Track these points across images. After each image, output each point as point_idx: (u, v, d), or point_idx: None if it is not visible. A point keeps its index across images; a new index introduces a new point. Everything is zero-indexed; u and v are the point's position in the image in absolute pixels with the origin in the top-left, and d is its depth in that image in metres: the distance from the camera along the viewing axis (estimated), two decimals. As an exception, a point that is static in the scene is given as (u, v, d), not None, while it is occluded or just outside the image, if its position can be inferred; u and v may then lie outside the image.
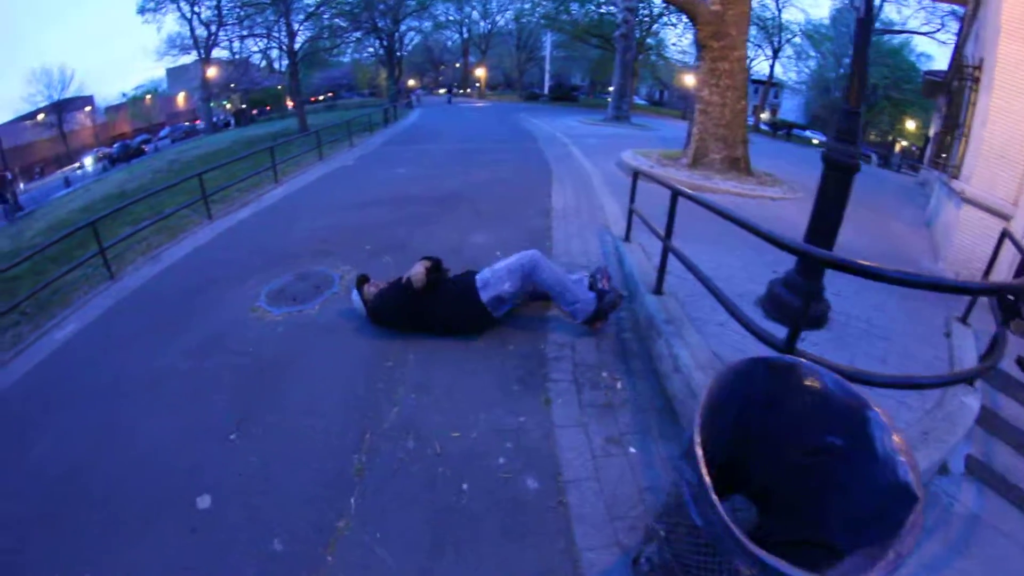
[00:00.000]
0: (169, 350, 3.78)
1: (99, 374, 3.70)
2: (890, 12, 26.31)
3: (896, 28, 26.92)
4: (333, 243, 5.54)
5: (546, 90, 42.44)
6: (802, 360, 1.56)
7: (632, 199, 4.76)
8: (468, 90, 46.12)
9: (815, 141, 27.06)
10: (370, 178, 9.27)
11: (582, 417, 2.61)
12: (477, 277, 3.40)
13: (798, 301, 2.83)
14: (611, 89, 24.20)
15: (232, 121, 35.98)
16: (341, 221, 6.38)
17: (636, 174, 4.84)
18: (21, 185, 27.12)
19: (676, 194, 3.18)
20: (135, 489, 2.51)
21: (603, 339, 3.35)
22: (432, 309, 3.36)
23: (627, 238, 4.80)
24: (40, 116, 34.97)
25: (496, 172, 8.86)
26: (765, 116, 33.87)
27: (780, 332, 2.12)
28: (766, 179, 8.25)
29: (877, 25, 25.66)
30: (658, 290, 3.39)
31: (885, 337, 3.20)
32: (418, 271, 3.34)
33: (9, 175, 21.36)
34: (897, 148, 30.34)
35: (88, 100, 38.02)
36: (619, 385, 2.82)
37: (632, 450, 2.36)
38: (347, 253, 5.21)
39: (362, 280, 3.66)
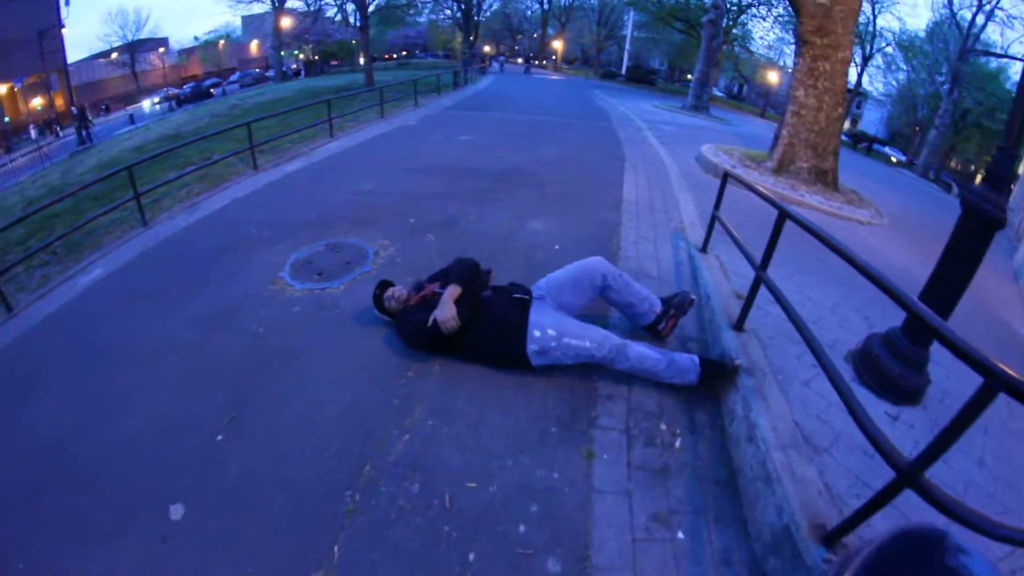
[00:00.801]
0: (178, 317, 3.48)
1: (103, 336, 3.43)
2: (992, 34, 23.79)
3: (998, 52, 24.73)
4: (376, 211, 5.08)
5: (623, 70, 41.15)
6: (949, 533, 0.88)
7: (717, 205, 4.02)
8: (544, 62, 45.33)
9: (894, 159, 25.81)
10: (429, 142, 8.74)
11: (628, 483, 2.12)
12: (532, 318, 2.67)
13: (898, 368, 2.50)
14: (691, 77, 23.11)
15: (302, 71, 36.54)
16: (389, 187, 5.93)
17: (726, 176, 4.06)
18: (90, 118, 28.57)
19: (784, 215, 2.44)
20: (113, 481, 2.29)
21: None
22: (466, 340, 2.75)
23: (704, 248, 4.11)
24: (114, 55, 36.85)
25: (565, 150, 8.15)
26: (846, 126, 31.59)
27: (871, 402, 1.92)
28: (853, 198, 7.42)
29: (976, 46, 23.78)
30: (739, 326, 2.79)
31: (983, 428, 2.51)
32: (447, 317, 2.61)
33: (86, 108, 22.52)
34: (978, 180, 27.13)
35: (162, 42, 39.81)
36: (678, 443, 2.31)
37: (680, 535, 1.92)
38: (389, 225, 4.74)
39: (383, 286, 3.08)
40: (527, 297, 2.78)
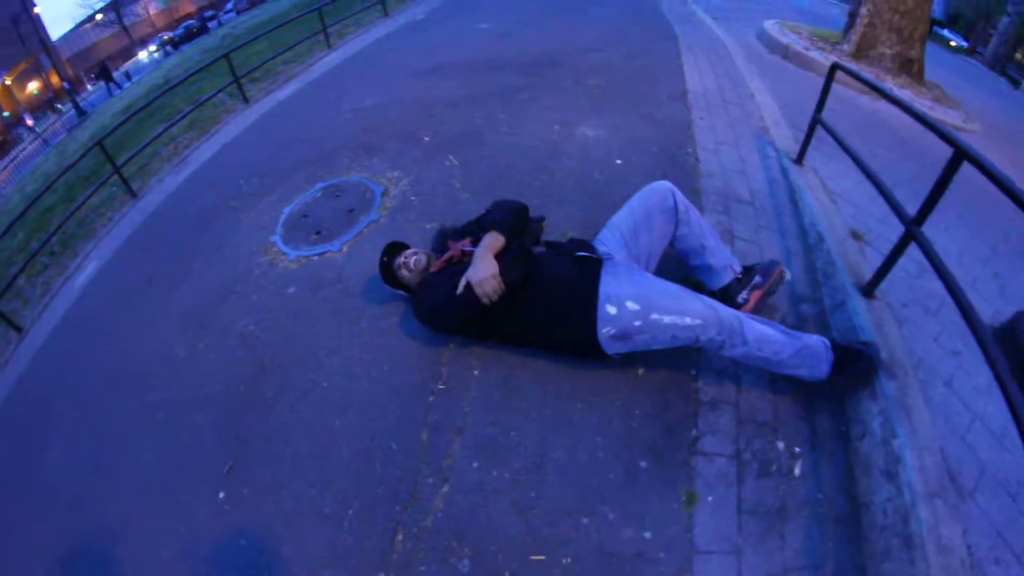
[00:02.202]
0: (167, 316, 3.00)
1: (98, 355, 3.08)
2: None
3: None
4: (382, 132, 4.14)
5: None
6: None
7: (820, 106, 2.86)
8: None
9: (952, 43, 22.54)
10: (442, 36, 7.35)
11: (738, 536, 1.57)
12: (604, 287, 1.84)
13: None
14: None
15: (300, -20, 33.95)
16: (397, 97, 4.89)
17: (834, 68, 2.84)
18: (89, 88, 28.07)
19: (961, 155, 1.60)
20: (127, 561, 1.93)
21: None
22: (513, 318, 1.94)
23: (800, 159, 3.02)
24: (99, 16, 35.35)
25: (605, 29, 6.48)
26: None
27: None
28: (939, 95, 6.36)
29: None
30: (870, 290, 2.09)
31: None
32: (485, 276, 1.82)
33: (81, 76, 22.16)
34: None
35: (144, -12, 38.05)
36: (798, 468, 1.73)
37: None
38: (399, 149, 3.81)
39: (392, 251, 2.27)
40: (595, 256, 1.93)
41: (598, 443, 1.78)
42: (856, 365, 1.73)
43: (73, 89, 21.32)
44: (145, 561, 1.87)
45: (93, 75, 22.23)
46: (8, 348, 3.82)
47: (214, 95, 6.42)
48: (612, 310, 1.76)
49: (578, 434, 1.82)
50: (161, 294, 3.20)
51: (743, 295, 2.00)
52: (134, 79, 21.83)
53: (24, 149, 20.06)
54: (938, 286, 1.85)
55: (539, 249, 2.02)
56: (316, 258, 2.87)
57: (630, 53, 5.43)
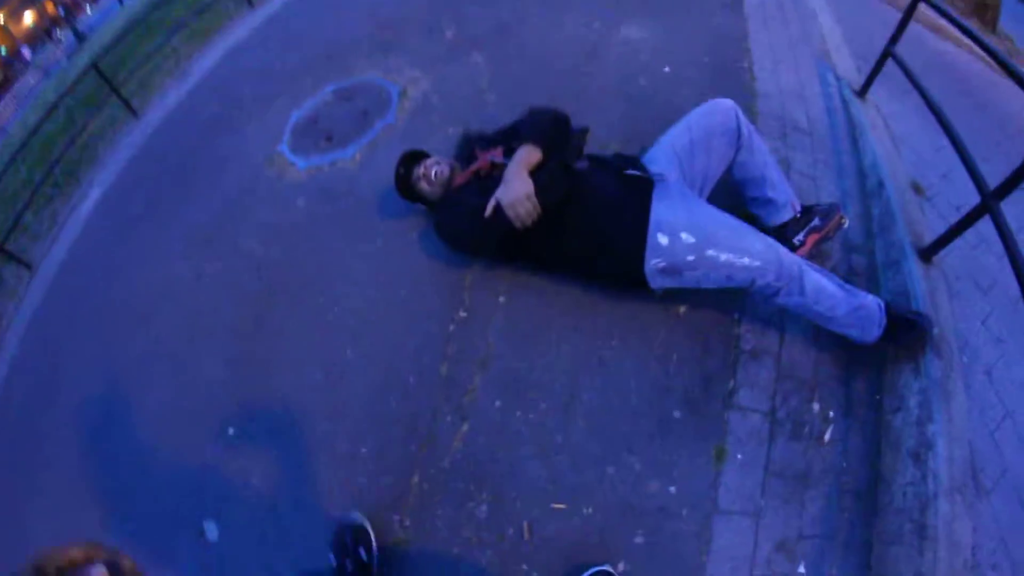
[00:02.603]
0: (173, 239, 2.84)
1: (107, 290, 2.93)
2: None
3: None
4: (400, 26, 3.68)
5: None
6: None
7: (896, 37, 2.39)
8: None
9: None
10: None
11: (760, 498, 1.52)
12: (656, 212, 1.59)
13: None
14: None
15: None
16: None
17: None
18: (88, 11, 26.70)
19: None
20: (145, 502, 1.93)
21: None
22: (550, 242, 1.70)
23: (863, 93, 2.58)
24: None
25: None
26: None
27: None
28: (1012, 49, 5.67)
29: None
30: (928, 255, 1.94)
31: None
32: (519, 197, 1.57)
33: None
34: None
35: None
36: (828, 434, 1.65)
37: (801, 570, 1.45)
38: (417, 45, 3.39)
39: (410, 161, 2.00)
40: (646, 176, 1.66)
41: (631, 387, 1.62)
42: (908, 336, 1.60)
43: (69, 13, 20.38)
44: (155, 498, 1.84)
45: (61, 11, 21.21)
46: (21, 286, 3.71)
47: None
48: (664, 240, 1.53)
49: (611, 376, 1.65)
50: (165, 217, 3.04)
51: (799, 237, 1.80)
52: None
53: (26, 83, 19.56)
54: (992, 262, 1.81)
55: (581, 164, 1.72)
56: (327, 168, 2.61)
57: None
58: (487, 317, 1.81)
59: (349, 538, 1.44)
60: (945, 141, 1.91)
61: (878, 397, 1.72)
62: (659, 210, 1.57)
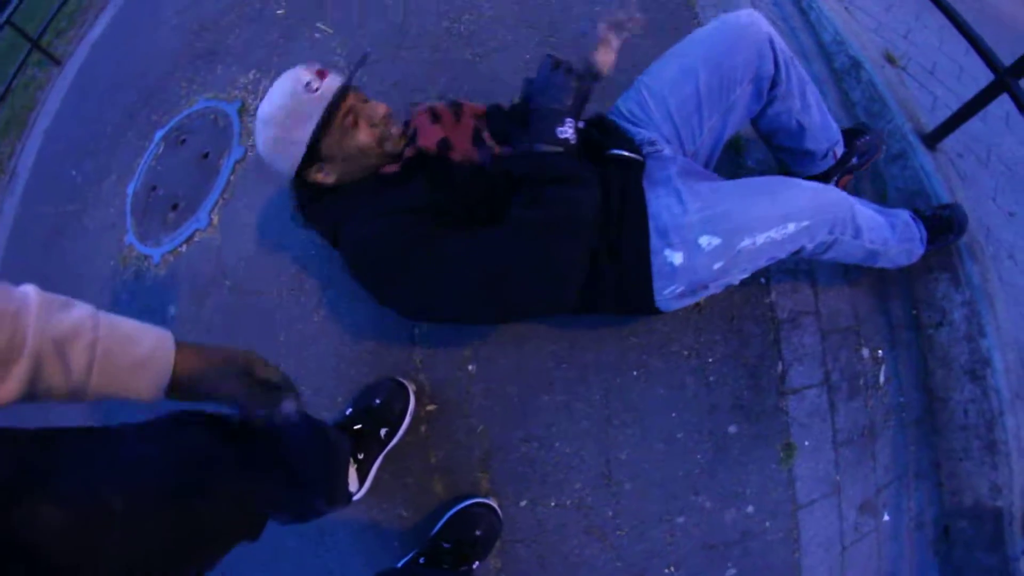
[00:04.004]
0: (23, 419, 1.98)
1: None
2: None
3: None
4: (219, 26, 2.86)
5: None
6: None
7: None
8: None
9: None
10: None
11: (836, 474, 1.39)
12: (652, 219, 1.06)
13: None
14: None
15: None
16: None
17: None
18: None
19: None
20: None
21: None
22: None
23: None
24: None
25: None
26: None
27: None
28: None
29: None
30: (933, 142, 1.70)
31: None
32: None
33: None
34: None
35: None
36: (882, 376, 1.51)
37: (886, 518, 1.44)
38: (245, 39, 2.62)
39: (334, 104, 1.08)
40: (635, 157, 1.14)
41: (673, 420, 1.35)
42: (947, 238, 1.43)
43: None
44: None
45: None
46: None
47: (14, 77, 4.87)
48: (676, 258, 1.03)
49: (644, 418, 1.36)
50: None
51: (833, 180, 1.47)
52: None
53: None
54: (980, 127, 1.78)
55: (563, 131, 1.05)
56: (184, 248, 1.95)
57: None
58: (462, 400, 1.33)
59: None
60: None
61: (914, 312, 1.63)
62: (658, 209, 1.05)
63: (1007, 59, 1.39)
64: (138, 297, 1.99)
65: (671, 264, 1.02)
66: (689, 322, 1.39)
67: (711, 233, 1.00)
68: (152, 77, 2.94)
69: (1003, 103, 1.50)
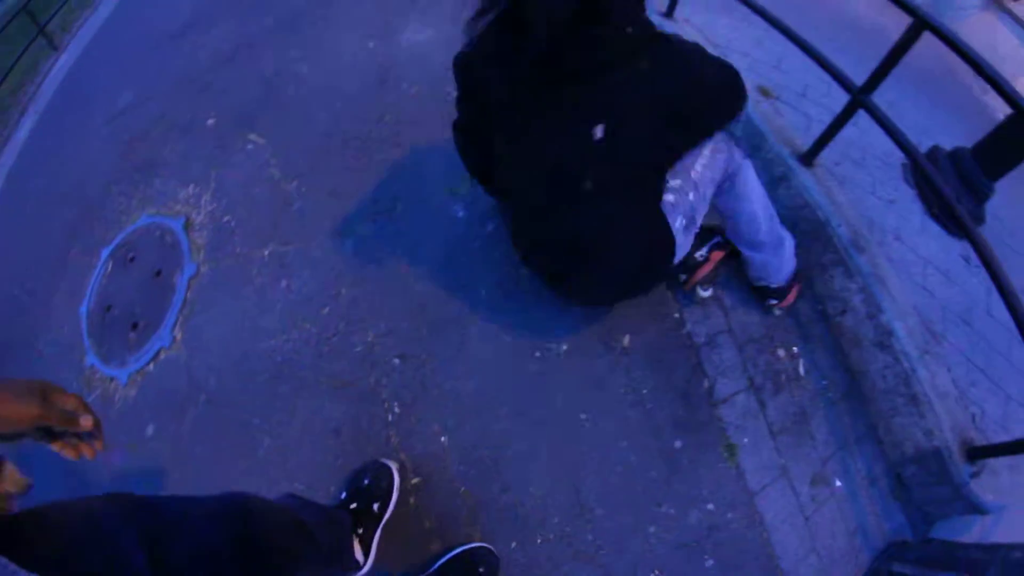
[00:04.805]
0: None
1: None
2: None
3: None
4: (152, 136, 2.97)
5: None
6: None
7: None
8: None
9: None
10: None
11: (779, 457, 1.61)
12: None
13: (965, 198, 2.18)
14: None
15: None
16: (155, 80, 3.51)
17: None
18: None
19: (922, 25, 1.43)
20: None
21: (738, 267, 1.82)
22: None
23: (670, 13, 2.50)
24: None
25: None
26: None
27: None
28: None
29: None
30: (810, 159, 1.97)
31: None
32: None
33: None
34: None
35: None
36: (802, 368, 1.75)
37: (838, 483, 1.63)
38: (181, 151, 2.74)
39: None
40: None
41: (624, 448, 1.56)
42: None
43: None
44: None
45: None
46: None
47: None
48: (669, 196, 1.34)
49: (600, 449, 1.57)
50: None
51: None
52: None
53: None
54: (854, 132, 1.90)
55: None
56: (151, 367, 2.01)
57: None
58: (441, 469, 1.53)
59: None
60: (763, 32, 2.04)
61: (820, 307, 1.82)
62: None
63: (873, 62, 1.57)
64: (109, 419, 2.04)
65: (669, 202, 1.32)
66: (620, 364, 1.62)
67: (673, 177, 1.32)
68: (90, 189, 2.99)
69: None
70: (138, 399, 1.98)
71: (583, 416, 1.56)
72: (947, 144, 2.52)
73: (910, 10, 1.43)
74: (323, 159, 2.20)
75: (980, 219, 2.28)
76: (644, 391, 1.60)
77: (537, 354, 1.68)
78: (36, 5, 6.25)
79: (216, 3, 4.02)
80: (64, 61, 5.30)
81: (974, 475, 1.49)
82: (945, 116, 3.38)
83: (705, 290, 1.73)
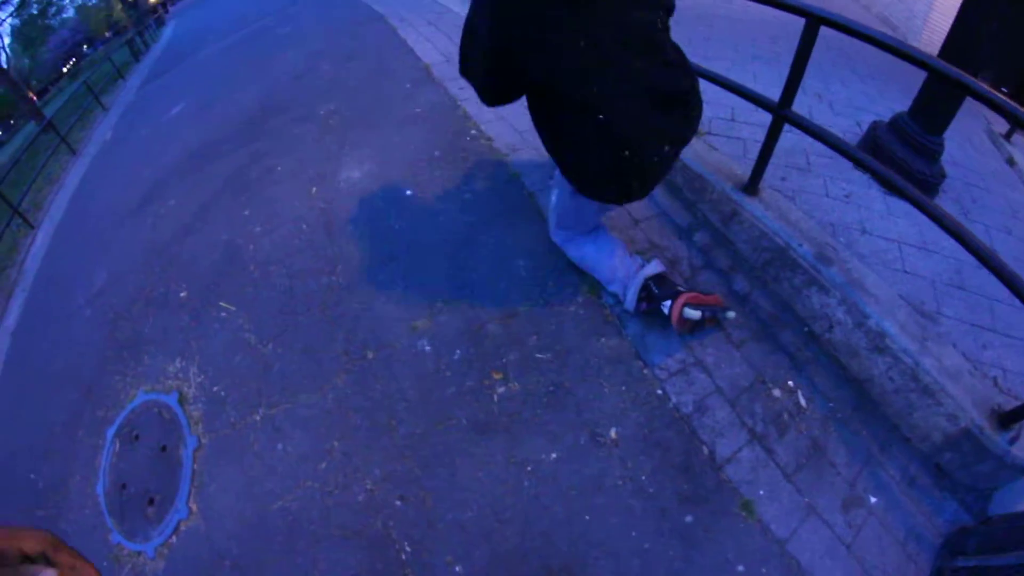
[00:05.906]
0: None
1: None
2: None
3: None
4: (133, 314, 3.21)
5: None
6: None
7: None
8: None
9: None
10: (140, 146, 6.19)
11: (802, 497, 1.56)
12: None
13: (917, 162, 2.19)
14: None
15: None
16: (125, 255, 3.82)
17: None
18: None
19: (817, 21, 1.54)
20: None
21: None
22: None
23: None
24: None
25: (305, 42, 5.73)
26: None
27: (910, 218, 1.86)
28: None
29: None
30: (755, 188, 1.94)
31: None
32: None
33: None
34: None
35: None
36: (802, 399, 1.70)
37: (873, 499, 1.54)
38: (162, 327, 2.97)
39: None
40: None
41: (635, 538, 1.57)
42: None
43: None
44: None
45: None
46: None
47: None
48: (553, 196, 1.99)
49: (610, 544, 1.57)
50: None
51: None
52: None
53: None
54: (792, 140, 1.90)
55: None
56: (174, 539, 2.20)
57: (345, 54, 4.81)
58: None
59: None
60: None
61: (806, 330, 1.77)
62: None
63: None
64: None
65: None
66: (614, 456, 1.69)
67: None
68: (85, 371, 3.19)
69: (799, 106, 1.70)
70: (168, 570, 2.16)
71: (587, 518, 1.60)
72: (886, 113, 2.46)
73: (802, 11, 1.54)
74: (291, 319, 2.45)
75: (940, 176, 2.27)
76: (643, 477, 1.63)
77: (529, 468, 1.73)
78: (6, 186, 6.66)
79: (169, 172, 4.36)
80: (41, 240, 5.55)
81: (1013, 440, 1.39)
82: (876, 85, 3.38)
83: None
